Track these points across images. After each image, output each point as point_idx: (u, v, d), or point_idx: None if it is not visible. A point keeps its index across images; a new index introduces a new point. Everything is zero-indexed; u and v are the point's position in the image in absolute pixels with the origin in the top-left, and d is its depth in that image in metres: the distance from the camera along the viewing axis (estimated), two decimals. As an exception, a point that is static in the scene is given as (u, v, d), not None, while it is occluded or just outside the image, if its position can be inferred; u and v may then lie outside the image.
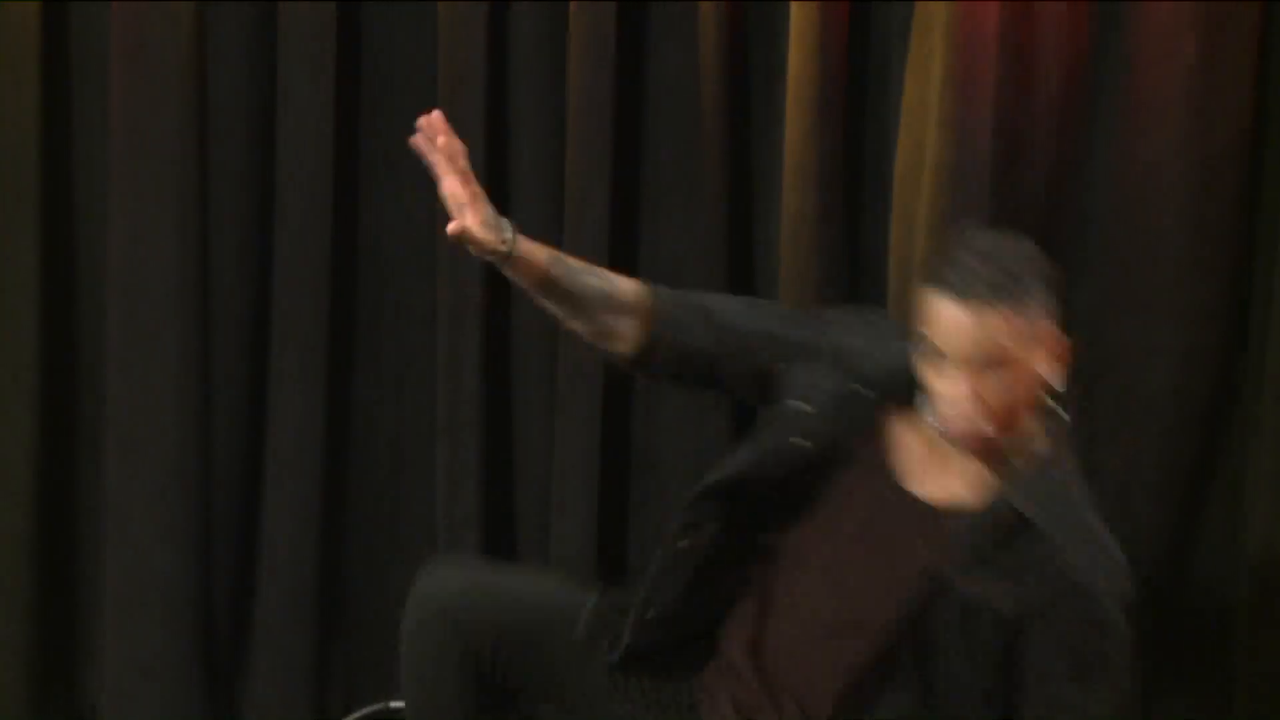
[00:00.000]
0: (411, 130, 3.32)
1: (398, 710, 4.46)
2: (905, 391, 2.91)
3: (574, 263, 3.02)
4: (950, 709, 2.85)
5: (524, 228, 3.37)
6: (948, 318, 2.73)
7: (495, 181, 4.28)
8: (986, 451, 2.79)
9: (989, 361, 2.72)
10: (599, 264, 3.89)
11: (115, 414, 4.56)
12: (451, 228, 2.85)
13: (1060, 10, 4.01)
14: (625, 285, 3.03)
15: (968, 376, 2.72)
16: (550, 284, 2.97)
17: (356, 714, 4.57)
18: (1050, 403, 2.86)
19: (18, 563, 4.55)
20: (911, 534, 2.89)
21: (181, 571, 4.54)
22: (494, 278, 4.15)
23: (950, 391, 2.73)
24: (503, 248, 2.87)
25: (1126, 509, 4.01)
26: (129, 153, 4.43)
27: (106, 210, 4.49)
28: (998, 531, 2.83)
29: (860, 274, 4.22)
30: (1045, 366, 2.79)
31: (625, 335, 2.99)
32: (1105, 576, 2.80)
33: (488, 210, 2.88)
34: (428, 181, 3.99)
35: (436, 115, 2.93)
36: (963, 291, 2.71)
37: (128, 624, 4.51)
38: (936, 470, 2.94)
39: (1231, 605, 4.09)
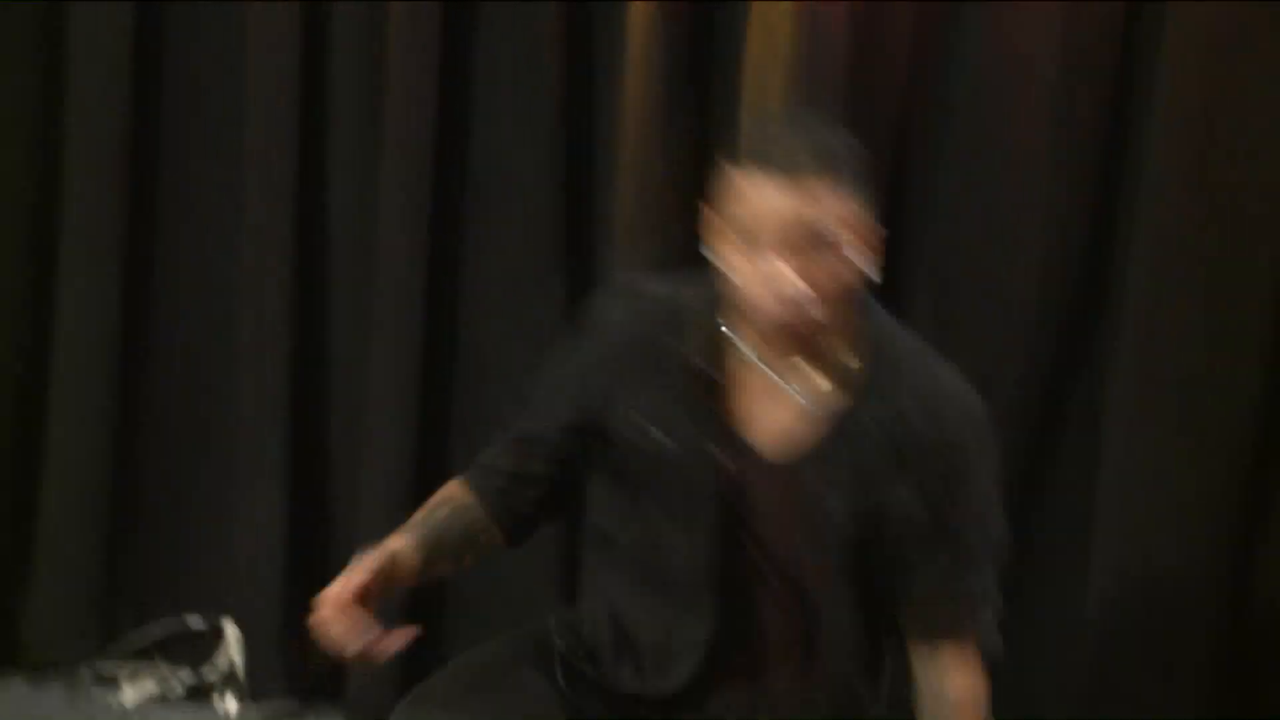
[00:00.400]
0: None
1: (193, 626, 4.46)
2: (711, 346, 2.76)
3: (425, 536, 2.71)
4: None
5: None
6: (762, 194, 2.54)
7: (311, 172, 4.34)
8: (807, 337, 2.61)
9: (806, 239, 2.52)
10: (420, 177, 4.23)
11: None
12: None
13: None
14: (463, 505, 2.78)
15: (783, 256, 2.54)
16: (430, 569, 2.71)
17: (149, 631, 4.48)
18: (867, 294, 2.72)
19: None
20: (797, 498, 2.75)
21: None
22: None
23: (763, 272, 2.54)
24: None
25: (989, 400, 4.02)
26: None
27: None
28: (859, 426, 2.69)
29: (709, 170, 4.11)
30: (860, 254, 2.62)
31: (495, 540, 2.80)
32: (970, 403, 2.76)
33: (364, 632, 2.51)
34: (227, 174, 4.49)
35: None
36: (781, 165, 2.52)
37: None
38: (776, 407, 2.76)
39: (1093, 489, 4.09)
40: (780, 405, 2.73)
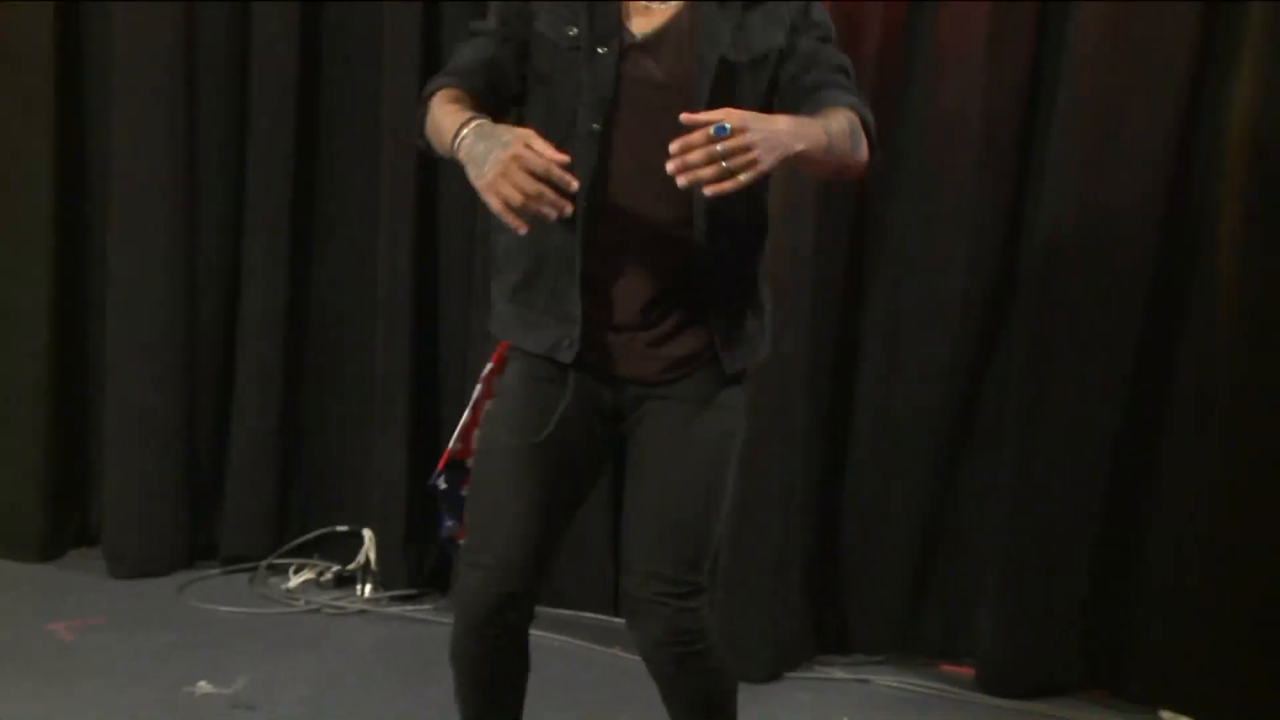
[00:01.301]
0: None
1: (341, 532, 5.23)
2: None
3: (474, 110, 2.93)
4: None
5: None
6: None
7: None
8: None
9: None
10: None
11: (116, 280, 5.11)
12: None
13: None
14: (466, 98, 2.97)
15: None
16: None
17: (308, 536, 5.26)
18: None
19: (37, 408, 5.17)
20: (685, 63, 3.02)
21: (170, 414, 5.14)
22: (424, 183, 4.98)
23: None
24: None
25: (925, 384, 4.67)
26: (129, 82, 4.99)
27: (112, 121, 5.06)
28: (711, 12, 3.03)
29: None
30: None
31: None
32: None
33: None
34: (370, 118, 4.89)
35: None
36: None
37: (125, 458, 5.11)
38: (649, 14, 3.05)
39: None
40: (654, 7, 3.02)
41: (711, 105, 2.83)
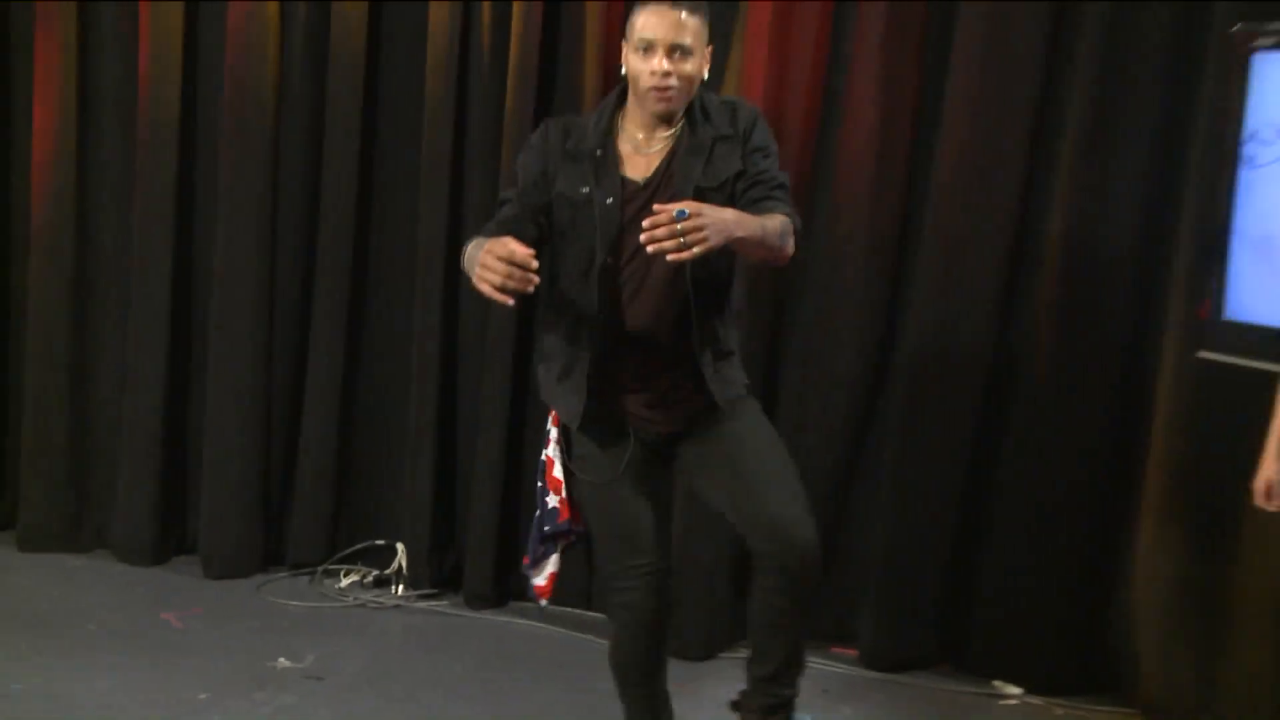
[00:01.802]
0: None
1: (379, 544, 5.39)
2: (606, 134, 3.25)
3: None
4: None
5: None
6: (657, 15, 3.15)
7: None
8: (672, 107, 3.20)
9: (681, 44, 3.14)
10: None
11: (216, 351, 5.26)
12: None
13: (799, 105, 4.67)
14: None
15: (666, 56, 3.13)
16: None
17: (355, 547, 5.41)
18: (703, 83, 3.28)
19: (153, 449, 5.29)
20: (675, 185, 3.22)
21: (252, 450, 5.31)
22: (449, 279, 5.03)
23: (653, 65, 3.14)
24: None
25: (812, 448, 4.72)
26: (230, 207, 5.18)
27: (217, 232, 5.24)
28: (698, 142, 3.25)
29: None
30: (703, 64, 3.24)
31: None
32: (746, 104, 3.40)
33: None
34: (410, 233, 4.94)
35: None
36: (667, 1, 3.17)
37: (217, 484, 5.28)
38: (655, 149, 3.27)
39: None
40: (646, 156, 3.26)
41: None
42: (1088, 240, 4.48)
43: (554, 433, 3.48)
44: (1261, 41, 3.63)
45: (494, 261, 2.87)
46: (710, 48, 3.25)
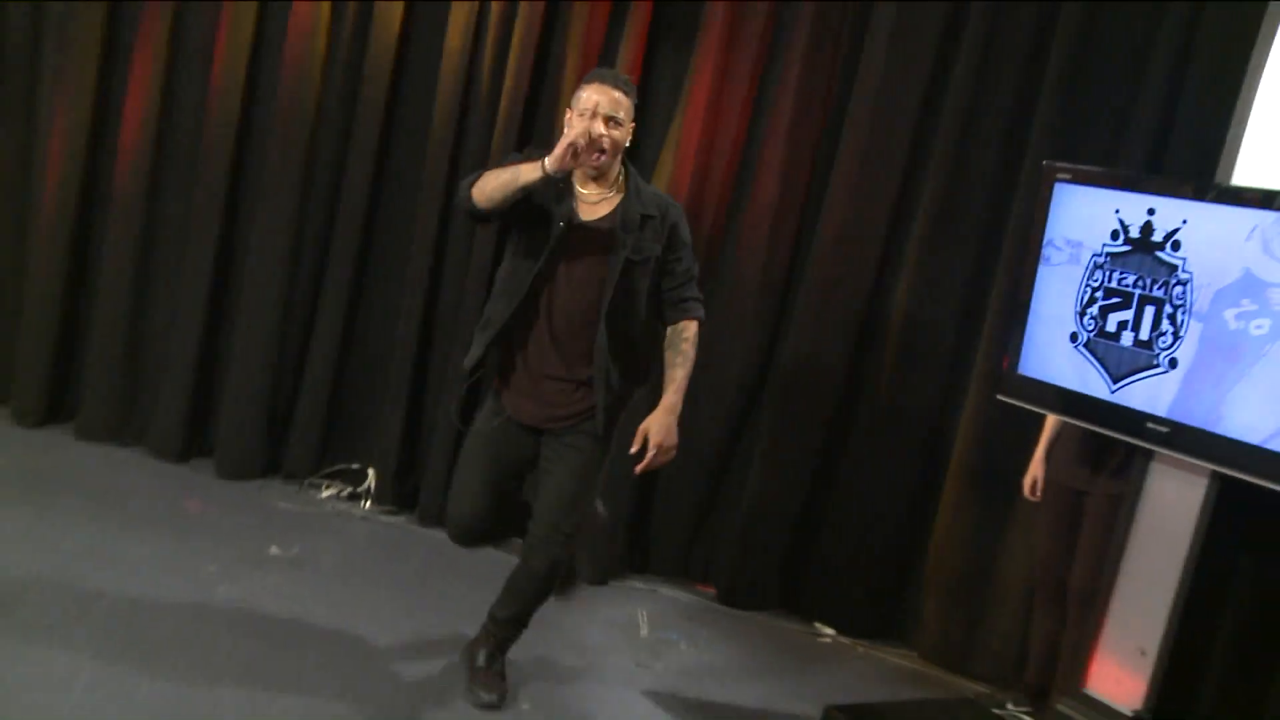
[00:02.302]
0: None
1: (355, 468, 5.43)
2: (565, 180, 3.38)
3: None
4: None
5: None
6: (601, 92, 3.36)
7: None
8: (600, 164, 3.36)
9: (615, 116, 3.35)
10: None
11: (245, 304, 5.30)
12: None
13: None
14: None
15: (604, 123, 3.33)
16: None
17: (336, 467, 5.45)
18: (625, 151, 3.45)
19: (188, 367, 5.32)
20: (603, 244, 3.41)
21: (264, 383, 5.32)
22: (438, 255, 5.07)
23: (591, 129, 3.31)
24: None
25: (704, 429, 5.00)
26: (273, 171, 5.22)
27: (258, 213, 5.28)
28: (629, 212, 3.43)
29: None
30: (628, 133, 3.43)
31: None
32: (675, 204, 3.58)
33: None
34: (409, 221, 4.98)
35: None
36: (606, 79, 3.42)
37: (234, 405, 5.35)
38: (594, 200, 3.45)
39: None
40: (591, 205, 3.43)
41: (620, 282, 3.40)
42: (924, 303, 4.85)
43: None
44: (1061, 175, 4.03)
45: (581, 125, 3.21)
46: (634, 124, 3.45)
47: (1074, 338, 3.99)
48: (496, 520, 3.66)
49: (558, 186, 3.38)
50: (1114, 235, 3.87)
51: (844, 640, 4.98)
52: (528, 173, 3.26)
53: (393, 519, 5.31)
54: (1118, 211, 3.86)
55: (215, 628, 3.92)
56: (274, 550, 4.65)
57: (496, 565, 4.13)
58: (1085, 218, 3.96)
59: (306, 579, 4.46)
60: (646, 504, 5.20)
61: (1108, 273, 3.91)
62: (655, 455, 3.40)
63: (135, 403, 5.52)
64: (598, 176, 3.44)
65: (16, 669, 3.41)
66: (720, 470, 5.13)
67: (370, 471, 5.43)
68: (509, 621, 3.73)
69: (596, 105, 3.34)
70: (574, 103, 3.41)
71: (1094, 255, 3.94)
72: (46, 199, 5.34)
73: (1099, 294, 3.92)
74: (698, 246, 4.55)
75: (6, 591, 3.86)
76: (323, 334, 5.35)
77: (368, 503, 5.39)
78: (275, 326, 5.33)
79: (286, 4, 5.15)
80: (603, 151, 3.36)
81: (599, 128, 3.33)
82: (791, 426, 4.96)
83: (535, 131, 5.06)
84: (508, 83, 5.00)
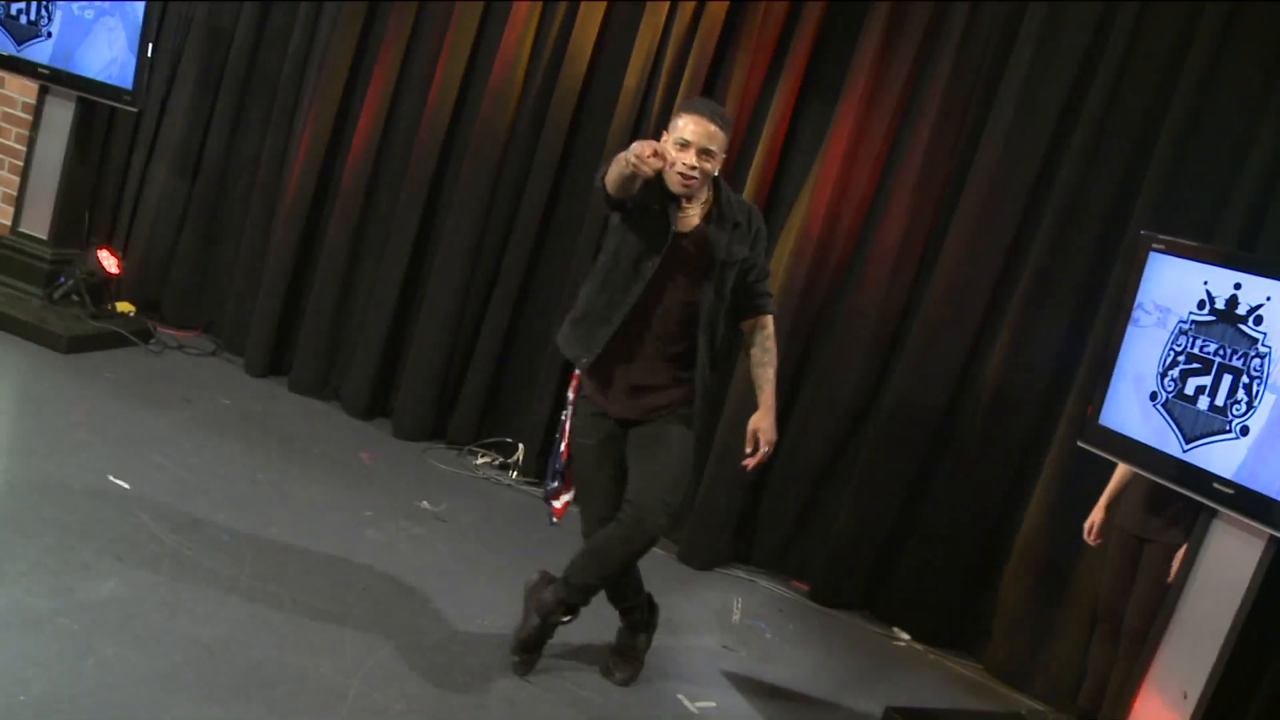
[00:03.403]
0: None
1: (508, 441, 5.27)
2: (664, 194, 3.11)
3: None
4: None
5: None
6: (697, 124, 3.07)
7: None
8: (690, 191, 3.12)
9: (709, 149, 3.08)
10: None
11: (432, 289, 5.25)
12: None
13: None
14: None
15: (696, 154, 3.06)
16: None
17: (491, 440, 5.32)
18: (718, 175, 3.19)
19: (379, 339, 5.31)
20: (699, 251, 3.18)
21: (440, 356, 5.25)
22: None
23: (687, 159, 3.06)
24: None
25: (809, 446, 4.78)
26: (466, 179, 5.18)
27: (454, 197, 5.26)
28: (723, 220, 3.20)
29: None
30: (719, 163, 3.14)
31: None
32: (755, 208, 3.30)
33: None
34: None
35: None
36: (701, 110, 3.11)
37: (413, 375, 5.26)
38: (691, 214, 3.19)
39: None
40: (686, 217, 3.17)
41: (715, 283, 3.17)
42: (1022, 351, 4.54)
43: (571, 398, 3.43)
44: (1156, 245, 3.71)
45: (646, 146, 2.86)
46: (725, 154, 3.17)
47: (1153, 396, 3.67)
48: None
49: (661, 195, 3.14)
50: (1200, 305, 3.56)
51: (918, 646, 4.68)
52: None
53: (535, 489, 5.14)
54: (1206, 283, 3.54)
55: (356, 565, 3.88)
56: (424, 504, 4.58)
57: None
58: (1175, 286, 3.66)
59: (445, 533, 4.39)
60: (755, 502, 4.97)
61: (1191, 339, 3.59)
62: (765, 452, 3.25)
63: (334, 364, 5.58)
64: (690, 198, 3.19)
65: (183, 579, 3.45)
66: (823, 481, 4.88)
67: (520, 446, 5.31)
68: (584, 583, 3.37)
69: (693, 136, 3.08)
70: (671, 127, 3.15)
71: (1180, 321, 3.63)
72: (290, 190, 5.50)
73: (1181, 358, 3.61)
74: (822, 281, 4.62)
75: (202, 511, 3.94)
76: (493, 322, 5.28)
77: (515, 473, 5.25)
78: (454, 312, 5.29)
79: (495, 39, 5.17)
80: (689, 185, 3.11)
81: (691, 159, 3.07)
82: (891, 449, 4.70)
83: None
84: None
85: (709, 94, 4.90)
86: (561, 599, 3.36)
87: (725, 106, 4.78)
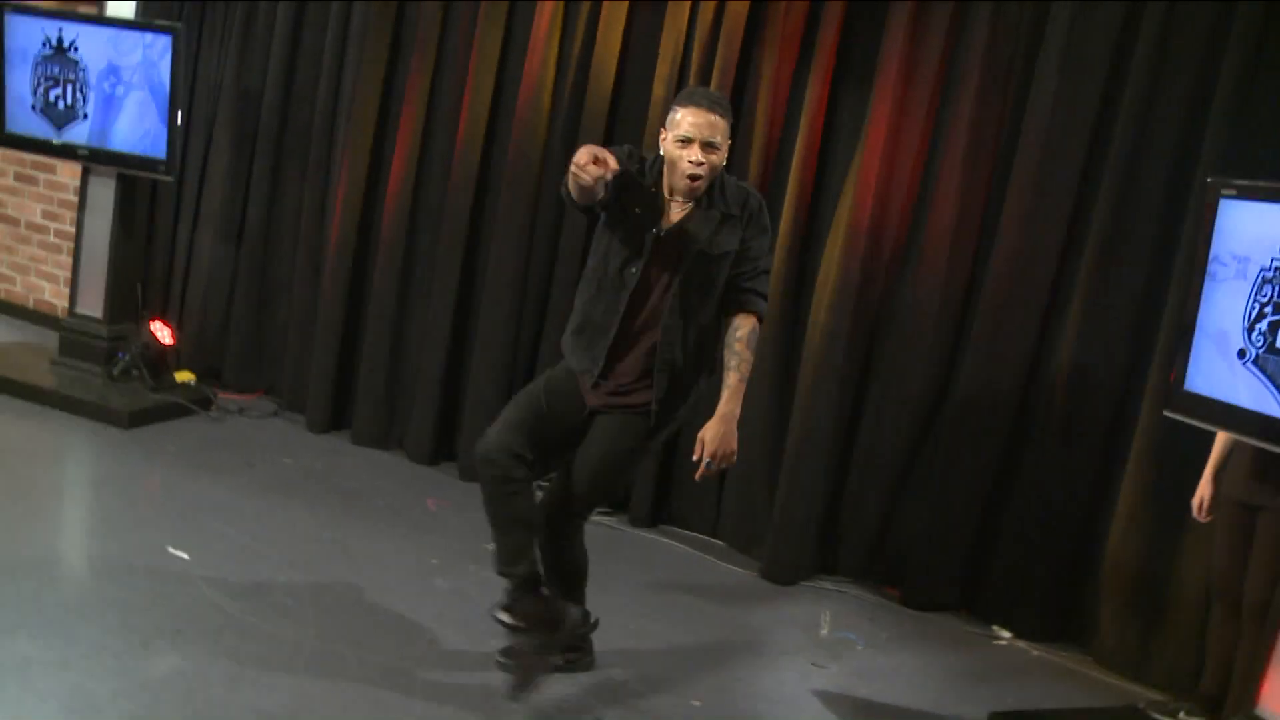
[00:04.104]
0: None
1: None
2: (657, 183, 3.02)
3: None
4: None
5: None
6: (697, 115, 2.93)
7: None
8: (697, 192, 3.00)
9: (712, 141, 2.93)
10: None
11: (483, 325, 5.14)
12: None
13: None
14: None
15: (700, 149, 2.93)
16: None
17: (552, 474, 5.05)
18: (723, 168, 3.04)
19: (436, 383, 5.24)
20: (681, 244, 3.03)
21: (498, 395, 4.89)
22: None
23: (690, 156, 2.93)
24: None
25: (883, 444, 4.62)
26: (504, 216, 5.08)
27: (494, 232, 5.18)
28: (710, 211, 3.04)
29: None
30: (724, 155, 3.01)
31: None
32: (759, 196, 3.12)
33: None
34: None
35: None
36: (701, 101, 2.97)
37: (475, 414, 5.10)
38: (674, 209, 3.05)
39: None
40: (679, 213, 3.03)
41: (696, 277, 3.01)
42: (1097, 321, 4.36)
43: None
44: (1226, 191, 3.53)
45: (584, 153, 2.76)
46: (730, 141, 3.04)
47: (1242, 354, 3.47)
48: (519, 464, 3.10)
49: (642, 195, 3.01)
50: None
51: (1020, 643, 4.46)
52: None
53: (604, 518, 4.97)
54: None
55: (425, 617, 3.81)
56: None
57: (690, 564, 4.24)
58: (1252, 232, 3.48)
59: None
60: (836, 509, 4.80)
61: (1276, 287, 3.36)
62: (713, 463, 2.99)
63: (395, 412, 5.54)
64: (696, 194, 3.04)
65: (245, 648, 3.41)
66: (903, 480, 4.70)
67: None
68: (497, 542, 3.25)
69: (694, 130, 2.93)
70: (669, 124, 3.00)
71: (1262, 270, 3.41)
72: (332, 243, 5.51)
73: (1269, 309, 3.38)
74: (878, 274, 4.46)
75: (264, 576, 3.91)
76: (548, 351, 5.11)
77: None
78: (507, 345, 5.20)
79: (518, 65, 5.11)
80: (697, 185, 2.98)
81: (696, 154, 2.93)
82: (970, 441, 4.52)
83: (731, 169, 4.66)
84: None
85: (740, 94, 4.77)
86: (502, 603, 3.17)
87: (757, 105, 4.69)
